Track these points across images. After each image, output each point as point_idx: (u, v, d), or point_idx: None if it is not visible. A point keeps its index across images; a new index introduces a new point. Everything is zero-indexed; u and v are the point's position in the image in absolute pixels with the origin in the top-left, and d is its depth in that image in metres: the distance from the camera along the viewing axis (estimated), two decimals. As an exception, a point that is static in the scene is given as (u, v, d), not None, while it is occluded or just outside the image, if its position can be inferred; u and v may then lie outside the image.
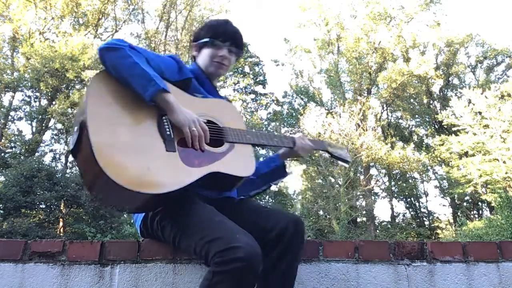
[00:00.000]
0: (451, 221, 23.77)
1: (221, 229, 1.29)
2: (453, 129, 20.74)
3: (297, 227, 1.44)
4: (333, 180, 20.13)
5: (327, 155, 2.06)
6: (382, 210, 53.05)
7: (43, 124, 18.65)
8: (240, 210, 1.56)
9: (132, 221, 14.91)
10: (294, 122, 25.85)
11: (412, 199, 25.64)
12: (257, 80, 26.33)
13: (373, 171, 23.70)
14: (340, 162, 2.11)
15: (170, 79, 1.57)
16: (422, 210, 25.78)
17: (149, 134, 1.42)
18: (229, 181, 1.54)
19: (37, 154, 17.07)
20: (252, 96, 26.55)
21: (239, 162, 1.57)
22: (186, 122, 1.44)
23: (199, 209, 1.41)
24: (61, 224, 14.58)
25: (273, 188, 21.30)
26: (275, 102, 27.30)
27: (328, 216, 20.68)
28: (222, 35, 1.75)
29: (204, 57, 1.77)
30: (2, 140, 17.40)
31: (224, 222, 1.34)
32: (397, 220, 25.11)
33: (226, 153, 1.56)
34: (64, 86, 18.41)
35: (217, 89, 1.85)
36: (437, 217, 25.03)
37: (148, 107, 1.45)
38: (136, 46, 1.52)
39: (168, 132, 1.44)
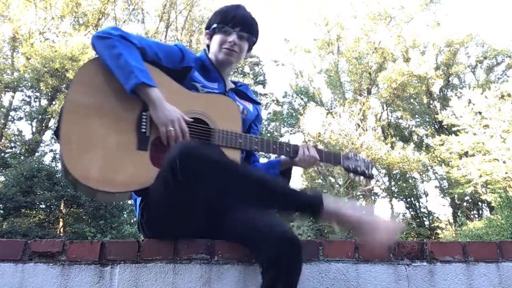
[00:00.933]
0: (451, 221, 23.77)
1: None
2: (453, 129, 20.72)
3: (288, 251, 1.23)
4: (333, 180, 20.11)
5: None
6: (382, 210, 53.06)
7: (43, 124, 18.63)
8: (231, 217, 1.39)
9: (132, 221, 14.93)
10: (294, 122, 25.85)
11: (412, 199, 25.62)
12: (257, 80, 26.32)
13: (373, 171, 23.64)
14: (361, 178, 1.88)
15: (170, 67, 1.52)
16: (422, 210, 25.76)
17: (125, 129, 1.37)
18: None
19: (37, 154, 17.04)
20: (252, 96, 26.59)
21: None
22: (164, 121, 1.37)
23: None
24: (61, 224, 14.55)
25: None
26: (275, 102, 27.31)
27: (328, 216, 20.63)
28: (232, 20, 1.64)
29: (214, 44, 1.68)
30: (2, 140, 17.38)
31: None
32: (397, 220, 25.06)
33: None
34: (64, 86, 18.36)
35: (226, 77, 1.73)
36: (437, 217, 25.02)
37: (135, 100, 1.38)
38: (131, 34, 1.45)
39: (144, 129, 1.39)
